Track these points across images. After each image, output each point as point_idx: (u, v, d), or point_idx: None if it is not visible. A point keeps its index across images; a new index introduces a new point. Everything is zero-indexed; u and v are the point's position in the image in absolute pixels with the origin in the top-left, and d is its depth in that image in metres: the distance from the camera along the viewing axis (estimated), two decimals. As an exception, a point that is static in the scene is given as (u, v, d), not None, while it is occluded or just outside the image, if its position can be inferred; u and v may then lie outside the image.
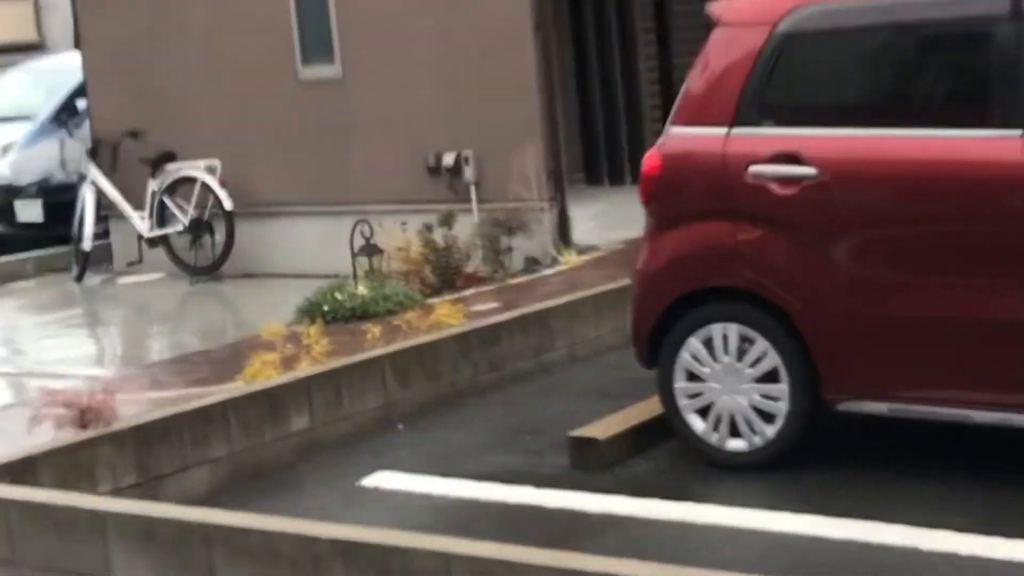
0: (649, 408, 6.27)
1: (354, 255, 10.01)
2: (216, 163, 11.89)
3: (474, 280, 10.01)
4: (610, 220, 10.90)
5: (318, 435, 6.54)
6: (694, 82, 5.84)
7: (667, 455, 6.10)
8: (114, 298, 11.98)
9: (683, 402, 5.87)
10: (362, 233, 9.97)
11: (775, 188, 5.57)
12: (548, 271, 10.07)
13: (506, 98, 10.61)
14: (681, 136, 5.82)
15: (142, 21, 12.51)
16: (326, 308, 9.48)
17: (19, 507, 5.02)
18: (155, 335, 10.48)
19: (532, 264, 10.31)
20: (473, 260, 10.09)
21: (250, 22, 11.87)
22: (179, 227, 12.10)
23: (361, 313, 9.43)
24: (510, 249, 10.22)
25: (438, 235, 10.04)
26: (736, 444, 5.80)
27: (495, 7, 10.60)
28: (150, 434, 5.97)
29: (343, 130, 11.52)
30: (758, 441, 5.74)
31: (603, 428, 6.10)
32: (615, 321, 7.91)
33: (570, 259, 10.18)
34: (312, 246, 11.74)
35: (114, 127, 12.49)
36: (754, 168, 5.61)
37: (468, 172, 10.81)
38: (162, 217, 12.27)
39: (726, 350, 5.74)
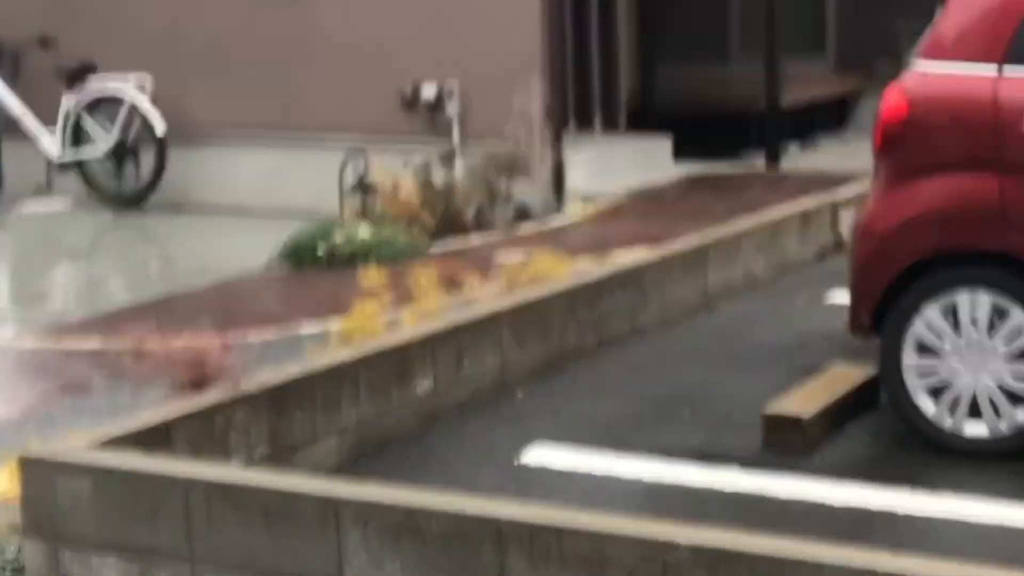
0: (834, 382, 5.52)
1: (343, 192, 8.96)
2: (147, 79, 10.59)
3: (474, 227, 9.08)
4: (600, 168, 10.09)
5: (441, 401, 5.57)
6: (954, 6, 5.07)
7: (870, 436, 5.36)
8: (21, 231, 10.52)
9: (912, 380, 5.11)
10: (355, 168, 8.92)
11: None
12: (559, 221, 9.19)
13: (502, 24, 9.66)
14: (935, 74, 5.04)
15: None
16: (319, 252, 8.43)
17: (206, 489, 3.95)
18: (99, 275, 9.16)
19: (523, 212, 9.42)
20: (471, 204, 9.16)
21: (194, -75, 10.64)
22: (100, 151, 10.76)
23: (362, 259, 8.43)
24: (510, 195, 9.31)
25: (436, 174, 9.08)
26: (976, 429, 5.07)
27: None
28: (284, 397, 4.92)
29: (301, 51, 10.38)
30: (1003, 427, 5.04)
31: (800, 404, 5.31)
32: (696, 284, 7.15)
33: (577, 209, 9.32)
34: (256, 179, 10.59)
35: (17, 31, 11.06)
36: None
37: (451, 106, 9.82)
38: (77, 138, 10.90)
39: (973, 322, 5.02)
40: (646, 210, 9.22)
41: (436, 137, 9.86)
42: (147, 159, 10.66)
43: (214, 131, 10.69)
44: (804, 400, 5.36)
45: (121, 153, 10.69)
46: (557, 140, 9.53)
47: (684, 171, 10.49)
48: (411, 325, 5.76)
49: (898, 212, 5.09)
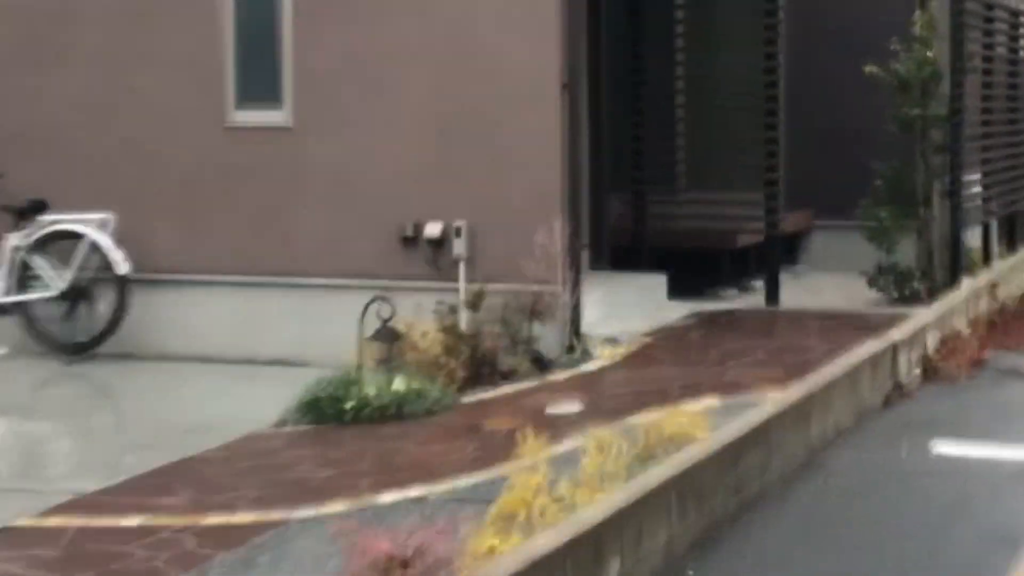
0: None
1: (364, 338, 8.13)
2: (109, 217, 9.66)
3: (501, 375, 8.37)
4: (608, 308, 9.50)
5: (625, 586, 4.85)
6: None
7: None
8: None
9: None
10: (378, 313, 8.14)
11: None
12: (588, 366, 8.53)
13: (517, 164, 9.06)
14: None
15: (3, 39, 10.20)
16: (349, 404, 7.62)
17: None
18: (81, 435, 8.05)
19: (537, 357, 8.71)
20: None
21: (164, 53, 9.79)
22: (50, 292, 9.74)
23: (394, 412, 7.65)
24: (530, 339, 8.62)
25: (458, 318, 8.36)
26: None
27: (511, 55, 9.04)
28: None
29: (285, 188, 9.58)
30: None
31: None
32: (801, 437, 6.58)
33: (605, 352, 8.68)
34: (225, 324, 9.72)
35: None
36: None
37: (458, 246, 9.12)
38: (22, 279, 9.89)
39: None
40: (677, 353, 8.65)
41: (439, 279, 9.15)
42: (102, 303, 9.72)
43: (175, 272, 9.80)
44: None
45: (75, 295, 9.71)
46: (577, 281, 8.92)
47: (685, 309, 9.98)
48: (583, 500, 5.03)
49: None
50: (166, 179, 9.80)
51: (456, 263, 9.15)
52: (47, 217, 9.79)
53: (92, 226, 9.61)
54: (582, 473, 5.36)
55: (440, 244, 9.20)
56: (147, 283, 9.70)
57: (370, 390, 7.63)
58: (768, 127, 10.20)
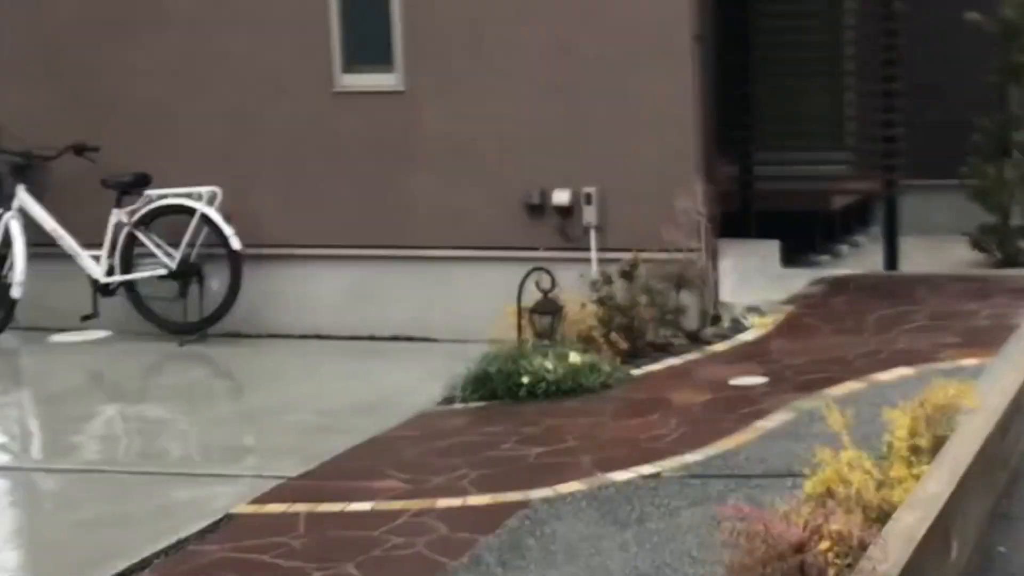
0: None
1: (520, 312, 7.88)
2: (216, 191, 9.32)
3: (656, 346, 8.14)
4: (740, 276, 9.29)
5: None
6: None
7: None
8: (80, 366, 8.92)
9: None
10: (538, 284, 7.88)
11: None
12: (743, 336, 8.30)
13: (648, 124, 8.73)
14: None
15: (88, 5, 9.79)
16: (525, 379, 7.37)
17: None
18: (244, 416, 7.69)
19: (689, 328, 8.44)
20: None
21: (262, 15, 9.38)
22: (161, 270, 9.39)
23: (569, 388, 7.42)
24: (678, 309, 8.40)
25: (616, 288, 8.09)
26: None
27: (639, 9, 8.72)
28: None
29: (400, 156, 9.25)
30: None
31: None
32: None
33: (755, 321, 8.47)
34: (339, 299, 9.42)
35: (48, 139, 9.62)
36: None
37: (589, 214, 8.86)
38: (127, 257, 9.53)
39: None
40: (829, 321, 8.43)
41: (569, 248, 8.89)
42: (215, 280, 9.39)
43: (286, 247, 9.47)
44: None
45: (187, 273, 9.38)
46: (715, 248, 8.71)
47: (803, 276, 9.78)
48: (899, 476, 4.83)
49: None
50: (271, 149, 9.45)
51: (587, 231, 8.91)
52: (152, 192, 9.44)
53: (201, 200, 9.29)
54: (889, 448, 5.16)
55: (569, 212, 8.94)
56: (255, 258, 9.37)
57: (547, 363, 7.39)
58: (886, 79, 9.91)
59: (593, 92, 8.87)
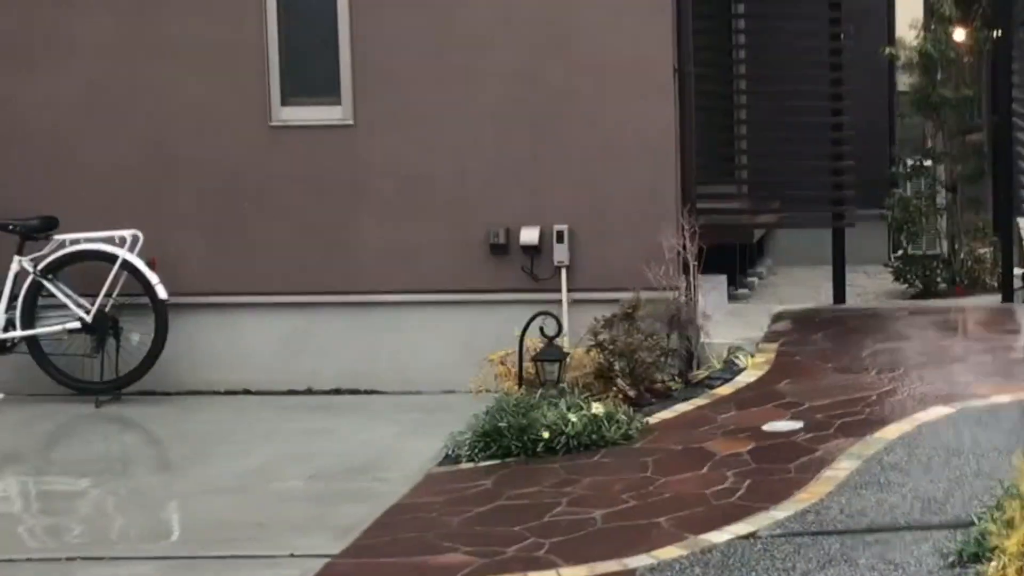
0: None
1: (522, 358, 7.18)
2: (138, 234, 8.33)
3: (655, 392, 7.52)
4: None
5: None
6: None
7: None
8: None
9: None
10: (543, 330, 7.18)
11: None
12: (741, 377, 7.68)
13: (623, 158, 8.20)
14: None
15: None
16: (545, 434, 6.66)
17: None
18: (206, 488, 6.72)
19: (682, 370, 7.85)
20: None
21: (186, 42, 8.47)
22: (74, 322, 8.34)
23: (590, 441, 6.74)
24: (670, 351, 7.81)
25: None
26: None
27: (613, 34, 8.16)
28: None
29: (346, 194, 8.45)
30: None
31: None
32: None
33: (748, 361, 7.92)
34: (269, 351, 8.56)
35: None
36: None
37: (559, 252, 8.21)
38: (30, 309, 8.44)
39: None
40: (824, 359, 7.90)
41: (536, 290, 8.22)
42: (135, 333, 8.38)
43: (211, 295, 8.53)
44: None
45: (103, 325, 8.35)
46: (695, 286, 8.15)
47: (761, 311, 9.31)
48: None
49: None
50: (196, 188, 8.52)
51: (557, 271, 8.28)
52: (61, 236, 8.40)
53: (124, 245, 8.30)
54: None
55: (537, 250, 8.30)
56: (175, 307, 8.39)
57: (569, 415, 6.70)
58: (835, 113, 9.51)
59: (563, 125, 8.29)
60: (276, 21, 8.45)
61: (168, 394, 8.47)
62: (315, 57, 8.47)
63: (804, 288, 10.70)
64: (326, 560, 5.48)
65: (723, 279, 9.61)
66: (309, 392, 8.46)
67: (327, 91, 8.44)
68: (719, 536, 5.45)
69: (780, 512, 5.67)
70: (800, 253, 11.99)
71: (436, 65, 8.35)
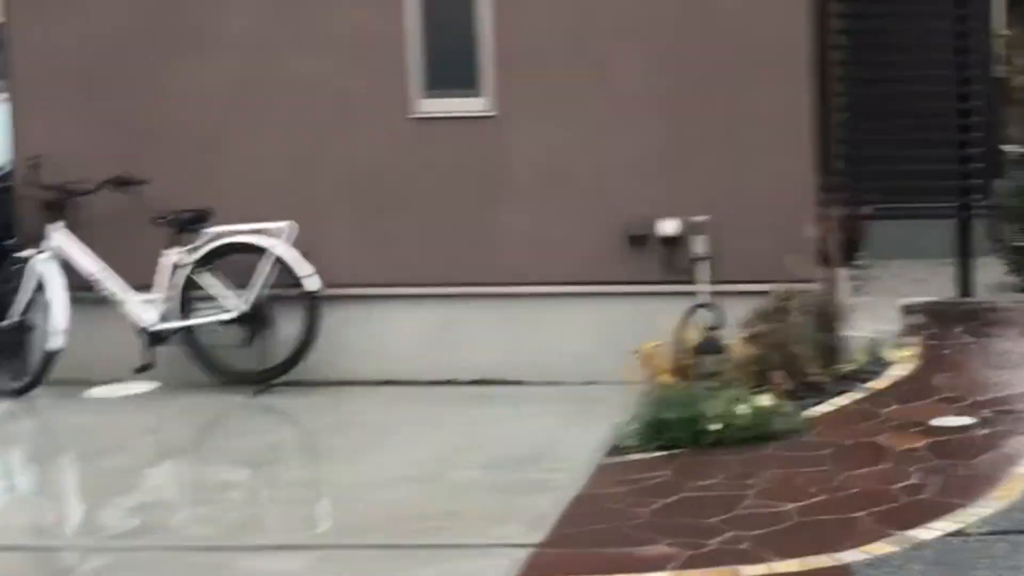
0: None
1: (679, 350, 7.36)
2: (291, 226, 8.51)
3: (809, 385, 7.66)
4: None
5: None
6: None
7: None
8: (146, 429, 7.96)
9: None
10: (704, 322, 7.36)
11: None
12: (894, 370, 7.84)
13: (762, 147, 8.25)
14: None
15: (133, 25, 8.87)
16: (714, 426, 6.83)
17: None
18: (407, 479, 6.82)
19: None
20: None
21: (330, 34, 8.64)
22: (228, 314, 8.54)
23: (759, 434, 6.90)
24: (825, 344, 7.93)
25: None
26: None
27: (752, 20, 8.22)
28: None
29: (487, 186, 8.60)
30: None
31: None
32: None
33: (896, 355, 8.05)
34: (412, 342, 8.71)
35: (83, 173, 8.66)
36: None
37: (699, 244, 8.34)
38: (186, 301, 8.64)
39: None
40: (974, 353, 8.05)
41: (675, 282, 8.35)
42: (288, 324, 8.55)
43: (357, 287, 8.69)
44: None
45: (257, 317, 8.55)
46: (837, 278, 8.31)
47: (888, 302, 9.42)
48: None
49: None
50: (340, 180, 8.69)
51: (695, 263, 8.42)
52: (214, 229, 8.59)
53: (281, 236, 8.48)
54: None
55: (676, 242, 8.45)
56: (326, 299, 8.62)
57: (739, 407, 6.87)
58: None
59: (700, 112, 8.36)
60: (418, 13, 8.60)
61: (314, 384, 8.65)
62: (456, 49, 8.56)
63: (909, 282, 10.59)
64: (530, 550, 5.64)
65: (842, 273, 9.74)
66: (452, 383, 8.62)
67: (468, 83, 8.57)
68: (927, 533, 5.56)
69: (981, 509, 5.79)
70: (891, 247, 11.91)
71: (576, 54, 8.46)
